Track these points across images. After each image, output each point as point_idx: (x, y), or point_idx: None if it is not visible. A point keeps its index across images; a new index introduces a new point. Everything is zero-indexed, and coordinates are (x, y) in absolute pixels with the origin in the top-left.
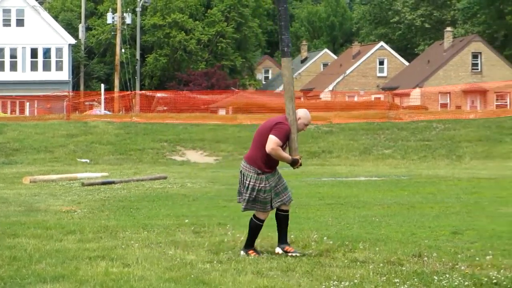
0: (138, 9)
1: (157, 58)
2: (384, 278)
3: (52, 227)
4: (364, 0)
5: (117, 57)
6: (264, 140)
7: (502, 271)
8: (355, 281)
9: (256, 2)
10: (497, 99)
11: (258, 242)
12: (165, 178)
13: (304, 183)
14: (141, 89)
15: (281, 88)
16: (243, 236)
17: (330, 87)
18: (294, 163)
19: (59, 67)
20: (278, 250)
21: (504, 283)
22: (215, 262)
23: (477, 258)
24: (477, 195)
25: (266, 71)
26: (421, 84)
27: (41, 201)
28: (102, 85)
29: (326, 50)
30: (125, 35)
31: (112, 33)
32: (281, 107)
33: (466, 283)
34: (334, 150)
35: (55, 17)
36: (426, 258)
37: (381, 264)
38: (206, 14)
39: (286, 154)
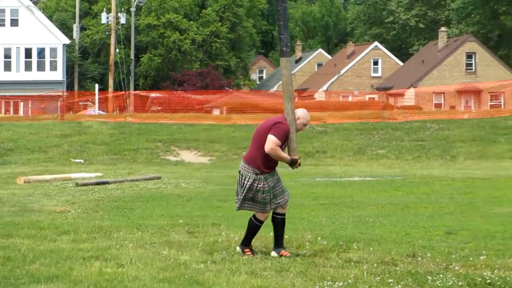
0: (133, 9)
1: (151, 58)
2: (378, 278)
3: (46, 227)
4: (359, 0)
5: (111, 57)
6: (263, 140)
7: (496, 271)
8: (349, 281)
9: (250, 2)
10: (491, 99)
11: (252, 242)
12: (159, 178)
13: (298, 183)
14: (135, 89)
15: (275, 88)
16: (237, 237)
17: (325, 87)
18: (293, 163)
19: (53, 67)
20: (274, 254)
21: (498, 283)
22: (209, 262)
23: (471, 258)
24: (471, 195)
25: (261, 71)
26: (415, 84)
27: (35, 201)
28: (96, 85)
29: (320, 50)
30: (119, 35)
31: (107, 33)
32: (275, 107)
33: (460, 283)
34: (328, 150)
35: (50, 17)
36: (420, 258)
37: (375, 264)
38: (200, 14)
39: (285, 154)
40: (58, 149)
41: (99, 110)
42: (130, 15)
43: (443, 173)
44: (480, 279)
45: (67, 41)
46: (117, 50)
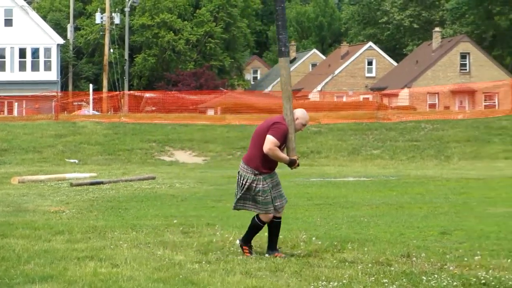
0: (127, 9)
1: (145, 58)
2: (373, 278)
3: (41, 227)
4: (353, 0)
5: (106, 57)
6: (262, 140)
7: (490, 271)
8: (344, 281)
9: (244, 2)
10: (485, 100)
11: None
12: (153, 178)
13: (292, 183)
14: (129, 89)
15: (270, 88)
16: (231, 237)
17: (319, 88)
18: (291, 164)
19: (47, 67)
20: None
21: (493, 283)
22: (203, 262)
23: (466, 259)
24: (466, 196)
25: (255, 71)
26: (409, 84)
27: (30, 201)
28: (91, 85)
29: (314, 50)
30: (113, 35)
31: (101, 33)
32: (269, 107)
33: (455, 283)
34: (322, 150)
35: (44, 17)
36: (414, 259)
37: (369, 265)
38: (194, 14)
39: (283, 155)
40: (52, 149)
41: (93, 110)
42: (124, 15)
43: (437, 173)
44: (474, 279)
45: (61, 41)
46: (111, 50)
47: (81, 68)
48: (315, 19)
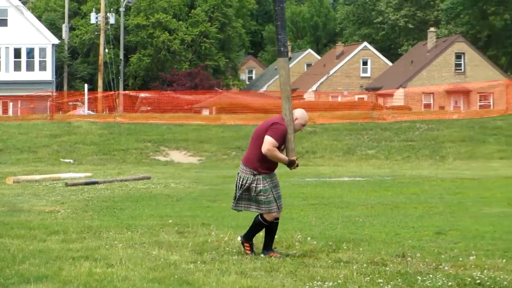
0: (122, 9)
1: (140, 58)
2: (368, 278)
3: (36, 227)
4: (348, 0)
5: (101, 57)
6: (261, 141)
7: (485, 271)
8: (339, 281)
9: (239, 2)
10: (480, 100)
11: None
12: (148, 178)
13: (287, 183)
14: (124, 89)
15: (264, 88)
16: (226, 237)
17: (314, 87)
18: (290, 164)
19: (42, 67)
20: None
21: (488, 283)
22: (198, 262)
23: (461, 259)
24: (461, 196)
25: (250, 71)
26: (404, 84)
27: (25, 201)
28: (86, 85)
29: (309, 50)
30: (108, 35)
31: (96, 33)
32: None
33: (450, 283)
34: (317, 150)
35: (39, 17)
36: (409, 259)
37: (364, 265)
38: (189, 14)
39: (282, 155)
40: (47, 149)
41: (88, 110)
42: (119, 15)
43: (432, 174)
44: (469, 279)
45: (56, 41)
46: (107, 50)
47: (76, 68)
48: (310, 19)
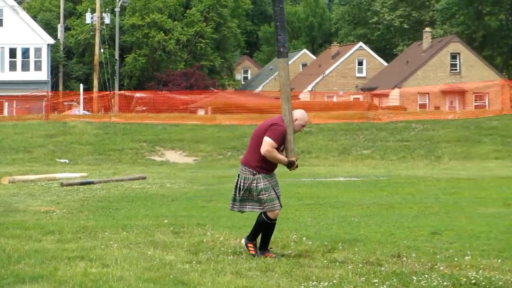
0: (117, 9)
1: (136, 58)
2: (363, 278)
3: (31, 227)
4: (343, 0)
5: (96, 57)
6: (260, 141)
7: (480, 271)
8: (334, 281)
9: (235, 2)
10: (475, 100)
11: (237, 242)
12: (144, 178)
13: (283, 183)
14: (120, 89)
15: (260, 88)
16: (222, 237)
17: (309, 88)
18: (290, 165)
19: (38, 67)
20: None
21: (483, 283)
22: (194, 262)
23: (456, 259)
24: (456, 196)
25: (245, 71)
26: (400, 84)
27: (20, 201)
28: (81, 85)
29: (305, 50)
30: (104, 35)
31: (91, 33)
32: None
33: (445, 283)
34: (313, 150)
35: (34, 17)
36: (405, 259)
37: (360, 265)
38: (185, 14)
39: (281, 156)
40: (43, 149)
41: (84, 110)
42: (115, 15)
43: (428, 174)
44: (465, 279)
45: (51, 41)
46: (102, 50)
47: (71, 68)
48: (306, 19)
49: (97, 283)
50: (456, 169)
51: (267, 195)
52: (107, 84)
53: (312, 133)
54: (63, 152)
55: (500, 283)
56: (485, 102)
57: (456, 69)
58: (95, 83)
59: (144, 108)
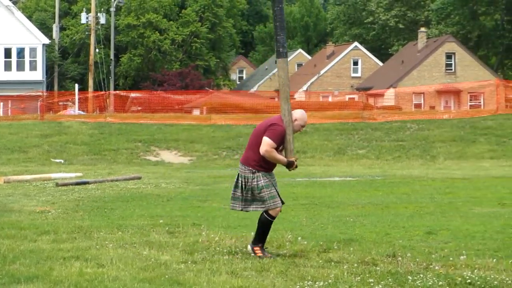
0: (112, 9)
1: (131, 58)
2: (359, 278)
3: (26, 227)
4: (338, 0)
5: (91, 57)
6: (259, 141)
7: (476, 271)
8: (330, 281)
9: (230, 2)
10: (470, 100)
11: (232, 242)
12: (139, 178)
13: (278, 183)
14: (115, 89)
15: (255, 88)
16: (217, 237)
17: (304, 87)
18: (289, 165)
19: (33, 67)
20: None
21: (478, 283)
22: (189, 262)
23: (451, 258)
24: (451, 195)
25: (241, 71)
26: (395, 84)
27: (15, 201)
28: (76, 85)
29: (300, 50)
30: (99, 35)
31: (86, 33)
32: (255, 108)
33: (440, 283)
34: (308, 150)
35: (29, 17)
36: (400, 258)
37: (355, 264)
38: (180, 14)
39: (280, 156)
40: (38, 149)
41: (79, 110)
42: (110, 15)
43: (423, 173)
44: (460, 278)
45: (46, 41)
46: (97, 50)
47: (66, 68)
48: (301, 19)
49: (92, 283)
50: (451, 168)
51: (268, 192)
52: (102, 84)
53: (307, 133)
54: (58, 152)
55: (495, 282)
56: (480, 102)
57: (451, 69)
58: (90, 83)
59: (139, 108)
